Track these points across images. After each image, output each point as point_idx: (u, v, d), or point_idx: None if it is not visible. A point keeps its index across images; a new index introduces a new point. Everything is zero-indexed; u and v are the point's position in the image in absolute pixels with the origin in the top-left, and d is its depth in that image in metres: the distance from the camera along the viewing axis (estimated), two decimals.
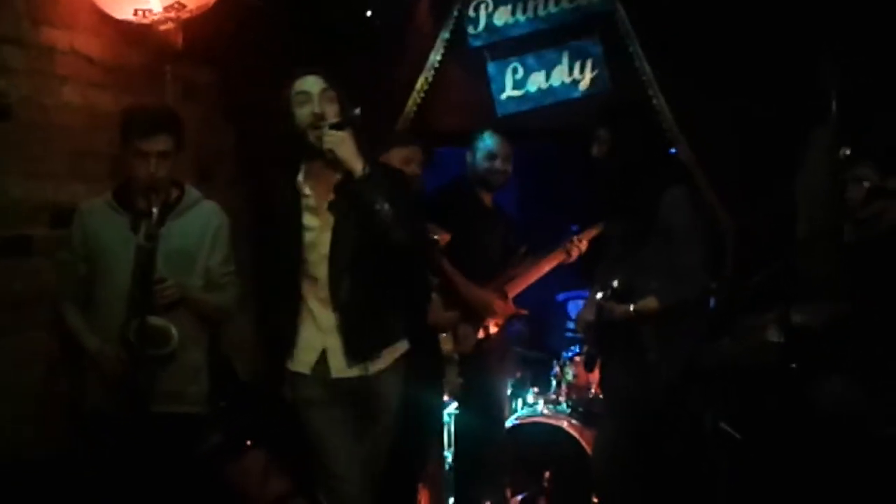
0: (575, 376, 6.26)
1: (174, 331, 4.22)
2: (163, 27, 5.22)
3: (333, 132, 4.04)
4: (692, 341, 4.93)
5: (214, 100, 6.10)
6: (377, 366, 4.22)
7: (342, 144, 4.02)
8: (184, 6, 5.20)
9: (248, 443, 5.48)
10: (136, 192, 4.31)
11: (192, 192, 4.52)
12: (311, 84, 4.12)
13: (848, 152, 4.92)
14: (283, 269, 4.22)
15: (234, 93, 6.18)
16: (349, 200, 4.11)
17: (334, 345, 4.19)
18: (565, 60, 6.43)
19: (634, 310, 4.84)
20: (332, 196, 4.15)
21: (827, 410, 4.75)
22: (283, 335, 4.25)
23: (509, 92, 6.51)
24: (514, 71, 6.51)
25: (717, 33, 5.91)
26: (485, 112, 6.51)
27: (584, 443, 5.81)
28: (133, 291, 4.17)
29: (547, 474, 5.92)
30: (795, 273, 5.24)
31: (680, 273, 4.81)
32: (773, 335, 5.03)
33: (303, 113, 4.09)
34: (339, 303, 4.14)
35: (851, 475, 4.68)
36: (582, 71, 6.40)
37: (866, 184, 4.77)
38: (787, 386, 4.94)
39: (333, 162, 4.08)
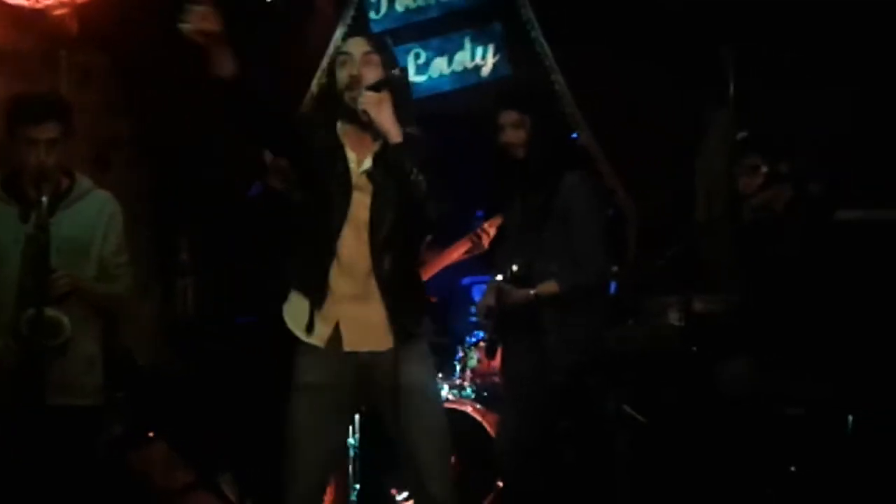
0: (479, 361, 6.25)
1: (67, 322, 4.13)
2: (57, 12, 5.14)
3: (370, 93, 3.82)
4: (593, 325, 4.96)
5: (112, 86, 6.00)
6: (404, 342, 3.98)
7: (378, 106, 3.81)
8: None
9: (150, 434, 5.42)
10: (25, 181, 4.22)
11: (84, 181, 4.42)
12: (354, 45, 3.95)
13: (744, 134, 4.99)
14: (322, 233, 3.94)
15: (132, 78, 6.08)
16: (386, 169, 3.90)
17: (350, 315, 3.97)
18: (467, 46, 6.44)
19: (535, 294, 4.85)
20: (369, 163, 3.95)
21: (728, 392, 4.82)
22: (308, 304, 3.96)
23: (412, 77, 6.48)
24: (417, 56, 6.51)
25: (618, 18, 5.95)
26: None
27: (488, 427, 5.81)
28: (24, 282, 4.07)
29: (452, 459, 5.92)
30: (696, 256, 5.30)
31: (579, 257, 4.84)
32: (674, 319, 5.09)
33: (342, 74, 3.89)
34: (381, 275, 3.92)
35: (753, 455, 4.75)
36: (484, 56, 6.41)
37: (764, 169, 4.84)
38: (688, 369, 5.01)
39: (369, 126, 3.87)
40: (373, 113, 3.81)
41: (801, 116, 5.52)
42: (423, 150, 3.91)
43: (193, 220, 6.19)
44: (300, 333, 3.97)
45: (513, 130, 4.88)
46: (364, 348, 3.96)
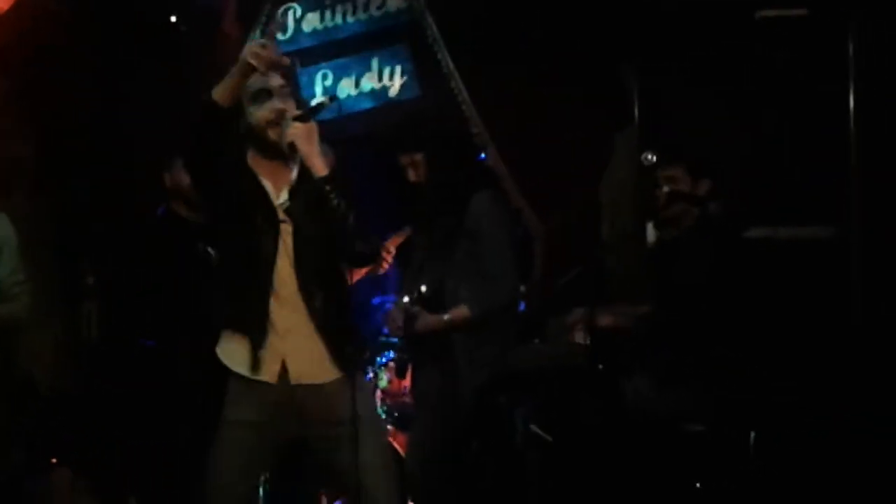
0: (389, 381, 6.24)
1: None
2: None
3: (298, 125, 3.76)
4: (503, 344, 4.97)
5: (13, 108, 5.90)
6: (340, 373, 3.91)
7: (307, 138, 3.75)
8: None
9: (53, 460, 5.33)
10: None
11: None
12: (270, 81, 3.83)
13: (650, 156, 5.04)
14: (255, 267, 3.83)
15: (34, 100, 6.00)
16: (306, 202, 3.84)
17: (296, 348, 3.87)
18: (375, 67, 6.45)
19: (446, 320, 4.85)
20: (285, 196, 3.86)
21: (632, 409, 4.85)
22: (244, 342, 3.86)
23: (319, 98, 6.48)
24: (324, 77, 6.50)
25: (525, 39, 6.00)
26: None
27: (399, 448, 5.79)
28: None
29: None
30: (602, 274, 5.34)
31: (489, 278, 4.84)
32: (580, 337, 5.11)
33: (262, 111, 3.81)
34: (314, 308, 3.85)
35: (659, 472, 4.78)
36: (391, 77, 6.42)
37: (665, 188, 4.89)
38: (594, 387, 5.03)
39: (290, 158, 3.83)
40: (301, 145, 3.75)
41: (706, 135, 5.59)
42: (346, 184, 3.85)
43: (97, 243, 6.11)
44: (244, 371, 3.85)
45: (412, 170, 4.90)
46: (310, 381, 3.87)
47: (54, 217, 6.14)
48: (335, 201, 3.75)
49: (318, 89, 6.47)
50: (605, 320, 4.96)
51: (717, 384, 4.62)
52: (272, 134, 3.80)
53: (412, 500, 5.50)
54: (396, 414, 6.13)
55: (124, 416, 5.63)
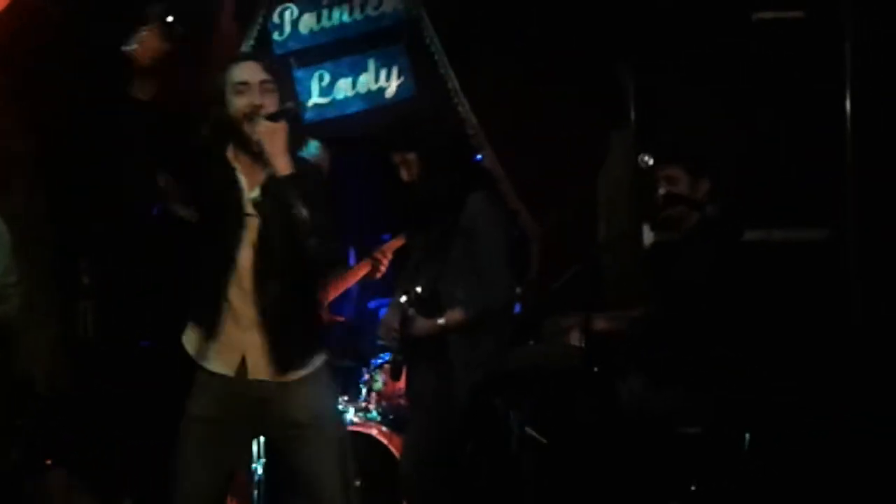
0: (384, 384, 6.24)
1: None
2: None
3: (267, 123, 3.78)
4: (498, 346, 4.97)
5: (9, 105, 5.90)
6: (298, 372, 3.94)
7: (272, 137, 3.76)
8: None
9: (49, 461, 5.32)
10: None
11: None
12: (251, 73, 3.89)
13: (647, 159, 5.04)
14: (219, 259, 3.88)
15: (31, 98, 6.00)
16: (273, 200, 3.86)
17: (255, 343, 3.89)
18: (371, 67, 6.45)
19: (442, 325, 4.84)
20: (256, 192, 3.89)
21: (628, 410, 4.85)
22: (203, 331, 3.91)
23: (316, 99, 6.49)
24: (321, 78, 6.50)
25: (521, 40, 6.00)
26: None
27: (394, 450, 5.79)
28: None
29: (357, 483, 5.89)
30: (598, 275, 5.34)
31: (484, 279, 4.84)
32: (576, 339, 5.12)
33: (241, 102, 3.84)
34: (263, 308, 3.87)
35: (655, 474, 4.78)
36: (388, 78, 6.42)
37: (662, 190, 4.89)
38: (590, 388, 5.03)
39: (259, 156, 3.83)
40: (266, 143, 3.77)
41: (702, 135, 5.59)
42: (313, 185, 3.86)
43: (94, 242, 6.11)
44: (203, 362, 3.91)
45: (404, 170, 4.89)
46: (267, 377, 3.89)
47: (51, 216, 6.13)
48: (293, 202, 3.76)
49: (315, 90, 6.47)
50: (600, 322, 4.97)
51: (712, 385, 4.61)
52: (247, 127, 3.83)
53: (407, 503, 5.51)
54: (391, 416, 6.13)
55: (121, 417, 5.64)
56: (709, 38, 5.64)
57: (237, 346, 3.88)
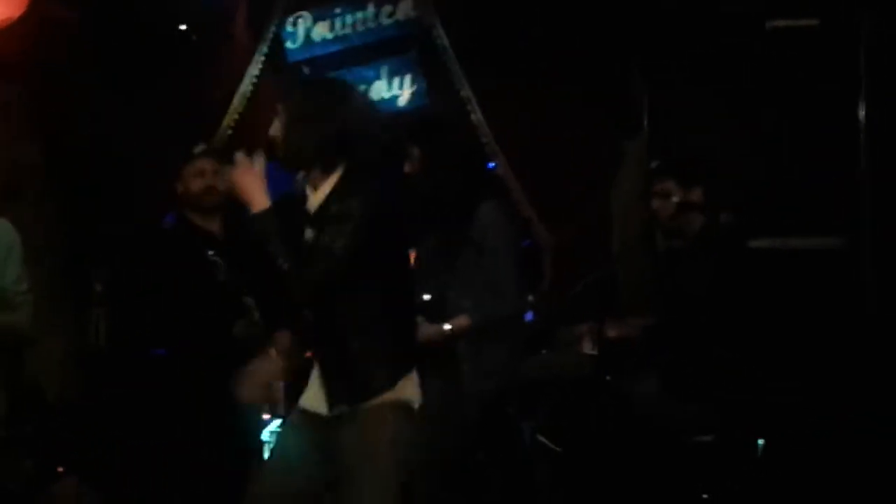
0: None
1: None
2: None
3: (240, 156, 3.60)
4: (509, 354, 4.94)
5: (20, 116, 5.91)
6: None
7: (242, 178, 3.59)
8: None
9: (60, 469, 5.31)
10: None
11: None
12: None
13: (657, 164, 5.04)
14: None
15: (42, 107, 6.01)
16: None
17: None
18: (384, 76, 6.46)
19: (448, 330, 4.82)
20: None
21: (640, 419, 4.83)
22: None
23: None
24: None
25: (535, 49, 6.00)
26: None
27: None
28: None
29: None
30: (611, 284, 5.33)
31: (494, 288, 4.82)
32: (588, 347, 5.10)
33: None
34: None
35: (666, 482, 4.76)
36: (401, 86, 6.43)
37: (675, 198, 4.88)
38: (602, 397, 5.02)
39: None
40: (239, 185, 3.60)
41: (713, 145, 5.58)
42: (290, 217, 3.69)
43: (106, 250, 6.11)
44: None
45: (411, 163, 4.87)
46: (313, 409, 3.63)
47: (63, 224, 6.14)
48: (265, 238, 3.56)
49: None
50: (613, 330, 4.96)
51: (725, 393, 4.60)
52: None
53: None
54: None
55: (132, 425, 5.62)
56: (722, 48, 5.62)
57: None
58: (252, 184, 3.59)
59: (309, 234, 3.62)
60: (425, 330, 4.84)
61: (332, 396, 3.55)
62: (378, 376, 3.55)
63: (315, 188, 3.63)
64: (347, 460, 3.50)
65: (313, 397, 3.60)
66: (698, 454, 4.67)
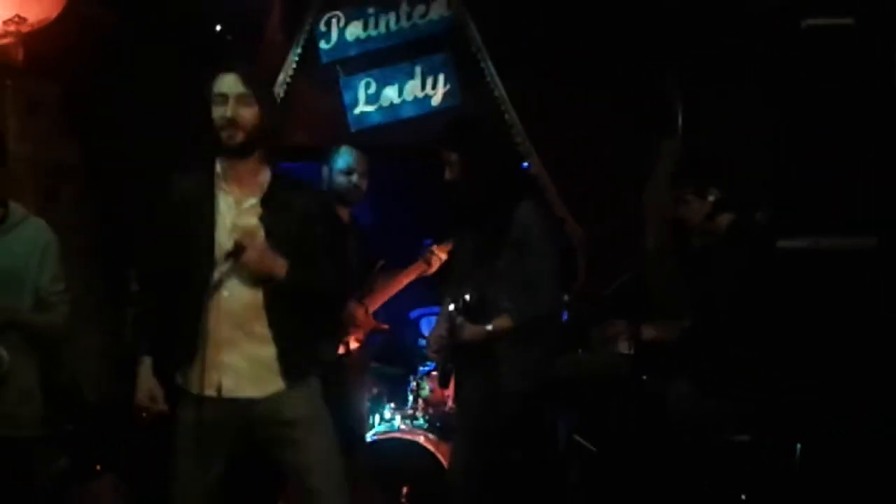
0: (431, 391, 6.25)
1: (5, 355, 4.08)
2: (2, 41, 5.10)
3: (242, 257, 3.90)
4: (546, 354, 4.95)
5: (59, 115, 5.95)
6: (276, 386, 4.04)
7: (258, 262, 3.91)
8: (24, 20, 5.08)
9: (98, 467, 5.35)
10: None
11: (17, 210, 4.35)
12: (229, 86, 3.94)
13: (688, 164, 5.03)
14: (190, 274, 3.96)
15: (80, 107, 6.05)
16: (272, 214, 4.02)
17: (232, 362, 3.98)
18: (417, 75, 6.46)
19: (489, 331, 4.83)
20: (251, 202, 4.02)
21: (676, 418, 4.83)
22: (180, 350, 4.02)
23: (362, 107, 6.51)
24: (367, 86, 6.52)
25: (568, 48, 6.00)
26: (337, 127, 6.49)
27: (440, 457, 5.79)
28: None
29: (405, 490, 5.90)
30: (645, 283, 5.32)
31: (533, 288, 4.83)
32: (624, 347, 5.10)
33: (217, 112, 3.93)
34: (274, 324, 3.99)
35: (703, 483, 4.75)
36: (434, 86, 6.43)
37: (711, 198, 4.88)
38: (638, 396, 5.02)
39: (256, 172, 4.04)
40: (257, 269, 3.92)
41: (744, 144, 5.57)
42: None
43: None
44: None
45: (451, 169, 4.89)
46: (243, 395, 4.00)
47: (100, 224, 6.18)
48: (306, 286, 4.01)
49: (361, 98, 6.50)
50: (649, 330, 4.96)
51: (761, 392, 4.59)
52: (224, 136, 3.94)
53: None
54: (438, 423, 6.14)
55: (168, 423, 5.65)
56: (757, 47, 5.61)
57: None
58: (265, 260, 3.91)
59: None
60: (467, 330, 4.86)
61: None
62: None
63: None
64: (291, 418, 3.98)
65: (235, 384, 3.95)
66: (735, 454, 4.66)
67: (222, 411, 3.94)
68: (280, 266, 3.92)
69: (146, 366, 4.02)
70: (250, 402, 3.98)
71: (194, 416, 3.94)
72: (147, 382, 4.01)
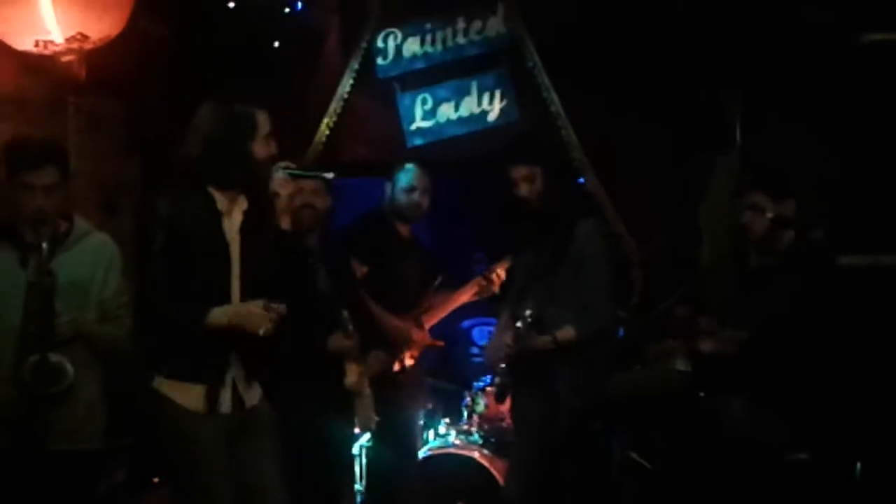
0: (486, 406, 6.24)
1: (70, 367, 4.11)
2: (65, 58, 5.16)
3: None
4: (602, 370, 4.94)
5: (119, 131, 6.02)
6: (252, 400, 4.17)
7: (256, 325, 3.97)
8: (86, 37, 5.14)
9: (155, 479, 5.38)
10: (24, 226, 4.20)
11: (82, 224, 4.40)
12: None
13: (750, 178, 5.00)
14: (208, 292, 4.02)
15: (139, 124, 6.11)
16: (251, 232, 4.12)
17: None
18: (474, 91, 6.48)
19: (554, 340, 4.82)
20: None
21: (732, 434, 4.78)
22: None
23: (419, 122, 6.54)
24: (424, 101, 6.55)
25: (625, 65, 5.99)
26: (394, 142, 6.53)
27: (495, 473, 5.78)
28: (27, 328, 4.05)
29: None
30: (701, 300, 5.28)
31: (593, 303, 4.82)
32: (681, 364, 5.07)
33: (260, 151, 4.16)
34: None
35: (759, 501, 4.71)
36: (491, 101, 6.45)
37: (769, 214, 4.83)
38: (694, 413, 4.98)
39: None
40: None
41: (804, 161, 5.53)
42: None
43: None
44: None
45: (526, 184, 4.87)
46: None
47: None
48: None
49: (418, 114, 6.53)
50: (707, 346, 4.91)
51: (820, 411, 4.54)
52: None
53: None
54: (493, 439, 6.12)
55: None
56: (816, 61, 5.58)
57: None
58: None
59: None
60: (533, 340, 4.85)
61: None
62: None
63: None
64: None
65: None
66: (794, 473, 4.61)
67: (235, 423, 4.07)
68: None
69: (219, 312, 4.00)
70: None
71: (219, 431, 4.04)
72: (242, 306, 4.03)
